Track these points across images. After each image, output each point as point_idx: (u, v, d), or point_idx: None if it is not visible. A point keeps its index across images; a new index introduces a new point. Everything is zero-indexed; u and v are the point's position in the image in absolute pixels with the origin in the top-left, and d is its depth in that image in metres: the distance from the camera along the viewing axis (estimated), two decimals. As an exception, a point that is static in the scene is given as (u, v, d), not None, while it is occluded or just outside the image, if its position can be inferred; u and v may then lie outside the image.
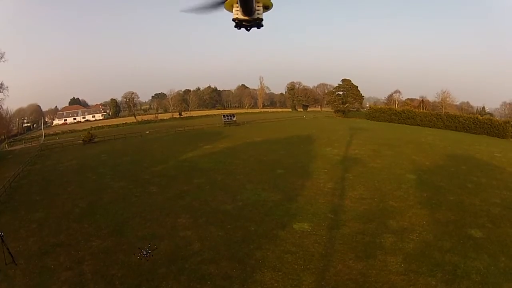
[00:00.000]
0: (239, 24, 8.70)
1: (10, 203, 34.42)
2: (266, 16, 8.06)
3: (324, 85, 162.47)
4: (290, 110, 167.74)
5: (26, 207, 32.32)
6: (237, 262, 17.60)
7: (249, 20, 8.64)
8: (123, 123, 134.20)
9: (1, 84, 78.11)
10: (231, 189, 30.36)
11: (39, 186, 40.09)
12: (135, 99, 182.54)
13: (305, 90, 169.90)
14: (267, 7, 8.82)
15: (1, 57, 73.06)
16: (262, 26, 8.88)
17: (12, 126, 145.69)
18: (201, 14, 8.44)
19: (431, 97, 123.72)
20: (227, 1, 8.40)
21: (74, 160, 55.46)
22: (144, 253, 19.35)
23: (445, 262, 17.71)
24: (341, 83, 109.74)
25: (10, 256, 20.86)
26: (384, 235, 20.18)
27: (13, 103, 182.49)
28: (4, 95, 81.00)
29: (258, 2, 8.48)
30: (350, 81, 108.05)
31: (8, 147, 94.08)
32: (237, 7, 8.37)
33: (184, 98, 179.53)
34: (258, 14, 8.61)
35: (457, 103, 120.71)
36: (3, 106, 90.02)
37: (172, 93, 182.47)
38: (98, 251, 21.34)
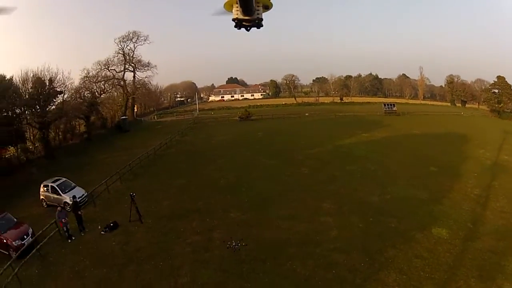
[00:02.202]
0: (239, 24, 9.67)
1: (151, 168, 42.65)
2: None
3: (481, 81, 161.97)
4: (449, 104, 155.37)
5: (168, 173, 39.35)
6: (367, 257, 18.79)
7: (249, 20, 9.61)
8: (282, 104, 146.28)
9: (149, 62, 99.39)
10: (381, 181, 32.04)
11: (186, 156, 48.25)
12: (295, 82, 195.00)
13: (463, 85, 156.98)
14: (267, 7, 9.79)
15: (145, 39, 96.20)
16: (262, 26, 9.85)
17: (162, 100, 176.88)
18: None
19: None
20: (227, 1, 9.40)
21: (228, 135, 63.68)
22: (234, 244, 21.32)
23: None
24: (495, 80, 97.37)
25: (137, 214, 26.08)
26: (510, 258, 19.23)
27: (167, 80, 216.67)
28: (152, 72, 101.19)
29: (258, 2, 9.38)
30: (504, 78, 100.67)
31: (157, 118, 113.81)
32: (237, 7, 9.31)
33: (345, 84, 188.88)
34: (258, 14, 9.55)
35: None
36: (152, 82, 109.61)
37: (333, 77, 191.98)
38: (234, 223, 24.73)
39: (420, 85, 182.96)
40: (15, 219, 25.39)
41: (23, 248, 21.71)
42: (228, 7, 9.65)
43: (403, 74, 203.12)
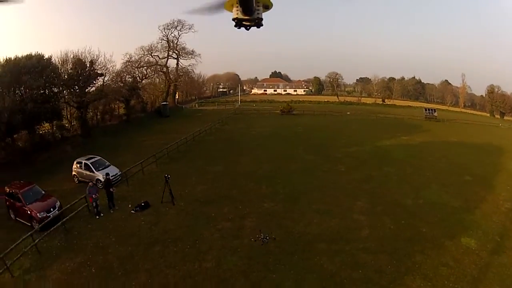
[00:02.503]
0: (239, 23, 9.86)
1: (188, 153, 43.79)
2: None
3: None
4: (488, 115, 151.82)
5: (204, 160, 40.18)
6: (395, 260, 18.90)
7: (249, 20, 9.77)
8: (325, 101, 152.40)
9: (193, 50, 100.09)
10: (416, 185, 32.06)
11: (225, 145, 49.20)
12: (339, 80, 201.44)
13: (503, 96, 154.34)
14: (267, 7, 9.91)
15: (190, 28, 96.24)
16: (262, 25, 10.04)
17: (205, 89, 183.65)
18: (205, 15, 9.91)
19: None
20: (227, 1, 9.46)
21: (268, 127, 65.60)
22: (262, 236, 21.20)
23: None
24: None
25: (170, 196, 26.51)
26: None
27: (210, 70, 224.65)
28: (196, 61, 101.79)
29: (258, 2, 9.52)
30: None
31: (198, 106, 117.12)
32: (237, 7, 9.44)
33: (388, 86, 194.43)
34: (258, 14, 9.68)
35: None
36: (194, 71, 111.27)
37: (377, 79, 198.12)
38: (267, 213, 24.97)
39: (462, 93, 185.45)
40: (43, 192, 26.00)
41: (47, 220, 22.14)
42: (228, 7, 9.71)
43: (445, 80, 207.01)
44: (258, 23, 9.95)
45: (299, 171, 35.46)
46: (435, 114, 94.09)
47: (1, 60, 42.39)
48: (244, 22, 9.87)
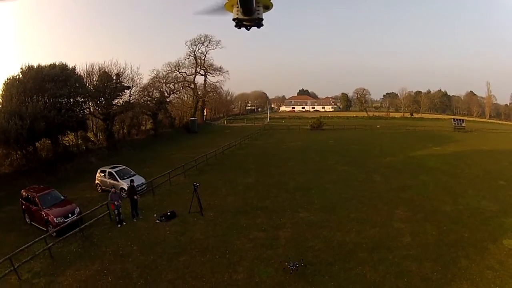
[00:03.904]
0: (239, 24, 9.93)
1: (218, 166, 43.47)
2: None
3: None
4: None
5: (235, 172, 39.45)
6: (440, 266, 18.24)
7: (250, 20, 9.84)
8: (353, 116, 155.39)
9: (221, 67, 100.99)
10: (454, 192, 32.00)
11: (255, 158, 48.95)
12: (366, 96, 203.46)
13: None
14: (267, 7, 10.00)
15: (217, 44, 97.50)
16: (262, 25, 10.16)
17: (233, 107, 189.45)
18: (212, 16, 10.24)
19: None
20: (227, 2, 9.69)
21: (299, 142, 66.85)
22: (292, 264, 18.63)
23: None
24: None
25: (198, 206, 25.29)
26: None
27: (238, 89, 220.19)
28: (224, 77, 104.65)
29: (258, 3, 9.56)
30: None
31: (226, 123, 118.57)
32: (237, 7, 9.52)
33: (415, 100, 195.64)
34: (258, 14, 9.74)
35: None
36: (223, 87, 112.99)
37: (404, 93, 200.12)
38: (302, 223, 23.80)
39: (487, 103, 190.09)
40: (62, 197, 25.14)
41: (63, 225, 21.27)
42: (229, 7, 9.88)
43: (470, 91, 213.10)
44: (259, 23, 10.07)
45: (334, 182, 34.73)
46: (464, 124, 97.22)
47: (23, 67, 42.39)
48: (244, 23, 9.98)
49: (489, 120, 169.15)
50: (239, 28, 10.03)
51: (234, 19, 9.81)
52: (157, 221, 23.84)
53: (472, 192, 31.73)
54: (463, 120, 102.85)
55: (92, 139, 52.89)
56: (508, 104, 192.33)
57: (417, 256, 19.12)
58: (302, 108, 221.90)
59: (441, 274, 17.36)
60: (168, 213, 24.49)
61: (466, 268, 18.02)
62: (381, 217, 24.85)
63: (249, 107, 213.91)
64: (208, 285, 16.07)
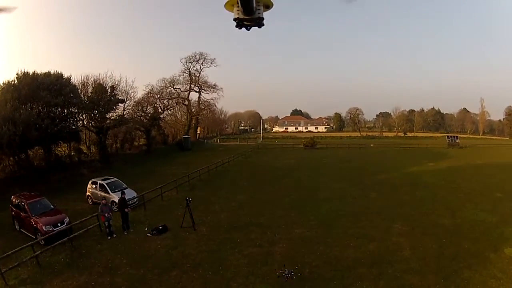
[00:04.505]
0: (240, 23, 9.79)
1: (211, 182, 43.38)
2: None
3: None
4: (507, 138, 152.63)
5: (228, 188, 39.27)
6: (442, 278, 17.92)
7: (250, 20, 9.69)
8: (347, 136, 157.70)
9: (215, 84, 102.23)
10: (451, 206, 32.00)
11: (249, 174, 48.99)
12: (359, 116, 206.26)
13: None
14: (267, 6, 9.84)
15: (212, 62, 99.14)
16: (263, 25, 9.99)
17: (226, 126, 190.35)
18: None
19: None
20: (227, 1, 9.64)
21: (293, 160, 67.27)
22: (286, 272, 18.46)
23: None
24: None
25: (191, 221, 24.69)
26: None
27: (231, 108, 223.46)
28: (218, 94, 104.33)
29: (258, 2, 9.44)
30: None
31: (220, 142, 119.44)
32: (238, 6, 9.43)
33: (409, 118, 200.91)
34: (258, 13, 9.59)
35: None
36: (216, 105, 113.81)
37: (397, 112, 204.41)
38: (298, 238, 23.31)
39: (481, 119, 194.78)
40: (52, 206, 24.65)
41: (51, 233, 20.80)
42: (229, 7, 9.84)
43: (464, 108, 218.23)
44: (259, 22, 9.94)
45: (329, 199, 34.42)
46: (458, 141, 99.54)
47: (19, 73, 42.10)
48: (245, 22, 9.85)
49: (483, 136, 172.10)
50: (240, 28, 9.92)
51: (234, 19, 9.70)
52: (148, 234, 23.18)
53: (469, 205, 31.89)
54: (457, 136, 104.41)
55: (85, 151, 52.31)
56: (502, 120, 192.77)
57: (418, 270, 18.83)
58: (295, 128, 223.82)
59: (443, 286, 17.13)
60: (160, 227, 23.82)
61: (469, 278, 17.89)
62: (379, 232, 24.62)
63: (243, 127, 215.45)
64: (201, 302, 15.28)
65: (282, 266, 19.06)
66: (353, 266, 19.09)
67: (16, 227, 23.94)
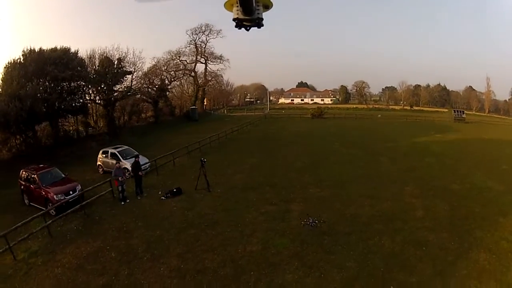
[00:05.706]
0: (239, 24, 9.70)
1: (222, 148, 43.46)
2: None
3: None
4: None
5: (239, 153, 39.10)
6: (456, 236, 18.38)
7: (250, 20, 9.62)
8: (353, 107, 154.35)
9: (221, 55, 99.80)
10: (460, 173, 32.33)
11: (259, 141, 49.04)
12: (365, 89, 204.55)
13: None
14: (267, 7, 9.83)
15: (218, 33, 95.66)
16: (263, 25, 9.94)
17: (232, 98, 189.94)
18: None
19: None
20: (227, 1, 9.51)
21: (301, 128, 66.69)
22: (311, 221, 19.05)
23: None
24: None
25: (205, 182, 24.42)
26: None
27: (237, 81, 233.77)
28: (224, 65, 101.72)
29: (258, 2, 9.41)
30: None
31: (227, 112, 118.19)
32: (237, 6, 9.31)
33: (415, 93, 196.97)
34: (258, 13, 9.54)
35: None
36: (223, 76, 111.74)
37: (404, 86, 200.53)
38: (313, 197, 23.45)
39: (487, 98, 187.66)
40: (63, 175, 23.83)
41: (63, 201, 20.19)
42: (229, 7, 9.73)
43: (469, 86, 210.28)
44: (259, 23, 9.83)
45: (341, 162, 34.61)
46: (464, 115, 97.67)
47: (25, 50, 40.90)
48: (244, 23, 9.76)
49: (488, 115, 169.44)
50: (239, 28, 9.85)
51: (234, 19, 9.59)
52: (162, 198, 22.87)
53: (478, 173, 31.94)
54: (463, 111, 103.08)
55: (92, 125, 51.65)
56: (507, 100, 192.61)
57: (432, 228, 19.22)
58: (301, 100, 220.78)
59: (458, 243, 17.49)
60: (174, 190, 23.56)
61: (481, 238, 18.20)
62: (392, 193, 24.80)
63: (248, 99, 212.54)
64: (220, 258, 15.10)
65: (305, 216, 19.50)
66: (369, 222, 19.48)
67: (26, 201, 23.11)
